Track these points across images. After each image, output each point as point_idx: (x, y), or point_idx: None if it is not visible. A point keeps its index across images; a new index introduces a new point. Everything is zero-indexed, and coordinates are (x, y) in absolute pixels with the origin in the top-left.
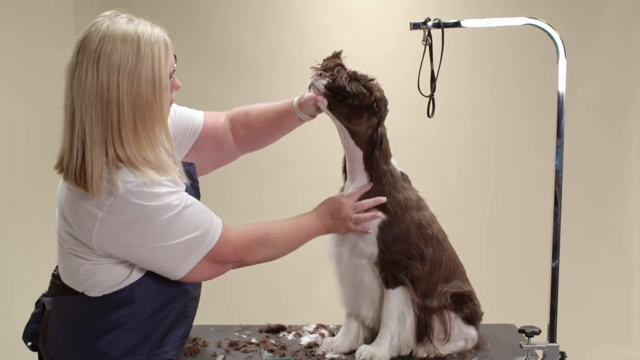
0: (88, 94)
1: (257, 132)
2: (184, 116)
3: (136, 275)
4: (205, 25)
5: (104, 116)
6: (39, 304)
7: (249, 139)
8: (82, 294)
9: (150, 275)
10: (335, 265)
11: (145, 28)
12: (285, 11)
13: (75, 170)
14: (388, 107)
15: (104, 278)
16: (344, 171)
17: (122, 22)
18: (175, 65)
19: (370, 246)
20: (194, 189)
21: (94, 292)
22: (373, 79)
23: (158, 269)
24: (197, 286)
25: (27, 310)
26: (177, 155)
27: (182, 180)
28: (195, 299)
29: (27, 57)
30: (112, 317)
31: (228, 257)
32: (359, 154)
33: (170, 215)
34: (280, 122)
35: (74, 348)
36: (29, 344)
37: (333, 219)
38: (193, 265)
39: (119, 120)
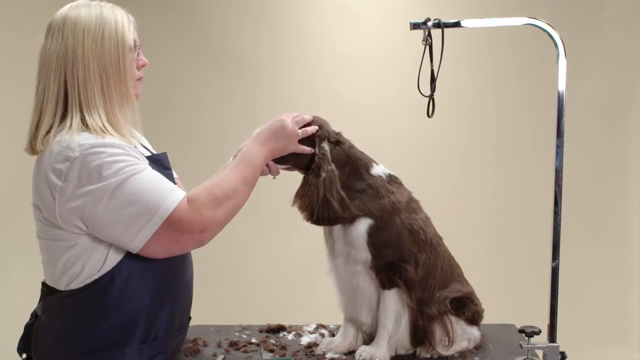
0: (53, 59)
1: None
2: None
3: (113, 261)
4: (204, 26)
5: (68, 77)
6: (32, 314)
7: None
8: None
9: (127, 260)
10: (334, 276)
11: (107, 5)
12: (285, 11)
13: (30, 134)
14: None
15: (82, 266)
16: None
17: (83, 3)
18: (139, 47)
19: (362, 253)
20: (167, 177)
21: (76, 283)
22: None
23: (115, 238)
24: (170, 279)
25: (22, 316)
26: (142, 136)
27: (144, 151)
28: (171, 290)
29: (28, 56)
30: (94, 309)
31: (187, 226)
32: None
33: (120, 178)
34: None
35: (60, 349)
36: (24, 356)
37: (278, 138)
38: (149, 235)
39: (85, 79)
